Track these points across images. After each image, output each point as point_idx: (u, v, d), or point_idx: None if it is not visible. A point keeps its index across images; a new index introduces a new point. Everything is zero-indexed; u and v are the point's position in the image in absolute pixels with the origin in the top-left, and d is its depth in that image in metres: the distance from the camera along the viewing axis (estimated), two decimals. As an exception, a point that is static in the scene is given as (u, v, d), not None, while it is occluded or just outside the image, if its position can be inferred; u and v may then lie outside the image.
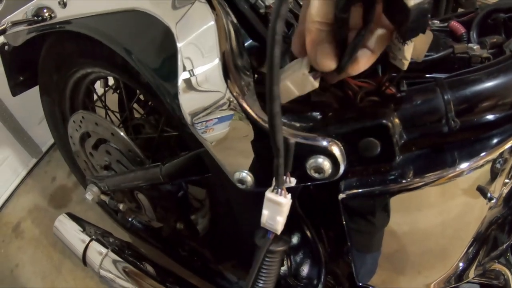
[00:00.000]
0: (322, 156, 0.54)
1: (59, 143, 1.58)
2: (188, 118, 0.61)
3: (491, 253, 0.76)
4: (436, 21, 0.81)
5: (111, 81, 1.41)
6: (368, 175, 0.59)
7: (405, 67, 0.51)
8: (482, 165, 0.57)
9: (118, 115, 1.53)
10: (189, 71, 0.60)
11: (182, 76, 0.60)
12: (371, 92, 0.57)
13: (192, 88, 0.59)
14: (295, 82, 0.52)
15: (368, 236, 0.67)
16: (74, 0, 0.85)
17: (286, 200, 0.52)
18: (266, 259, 0.62)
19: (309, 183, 0.58)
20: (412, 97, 0.57)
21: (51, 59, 1.22)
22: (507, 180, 0.64)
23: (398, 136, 0.55)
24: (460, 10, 1.15)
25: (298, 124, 0.58)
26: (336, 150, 0.54)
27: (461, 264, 0.70)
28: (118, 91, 1.45)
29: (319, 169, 0.55)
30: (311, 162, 0.55)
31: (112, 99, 1.52)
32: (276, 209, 0.53)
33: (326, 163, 0.54)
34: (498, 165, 0.60)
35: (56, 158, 2.32)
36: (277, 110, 0.44)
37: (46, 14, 0.93)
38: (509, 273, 0.90)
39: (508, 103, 0.56)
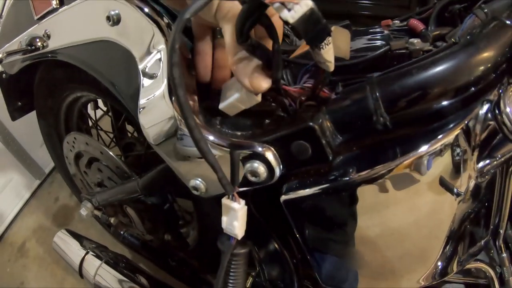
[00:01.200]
0: (257, 161, 0.56)
1: (58, 164, 1.64)
2: (147, 135, 0.66)
3: (470, 250, 0.75)
4: (396, 21, 0.81)
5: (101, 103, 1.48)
6: (308, 176, 0.60)
7: (331, 69, 0.51)
8: (433, 154, 0.55)
9: (111, 135, 1.60)
10: (146, 92, 0.65)
11: (141, 97, 0.65)
12: (309, 98, 0.58)
13: (148, 108, 0.64)
14: (241, 100, 0.56)
15: (316, 236, 0.68)
16: (55, 32, 0.91)
17: (239, 206, 0.54)
18: (232, 262, 0.65)
19: (250, 187, 0.60)
20: (344, 98, 0.56)
21: (45, 85, 1.28)
22: (470, 174, 0.62)
23: (331, 137, 0.56)
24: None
25: (239, 133, 0.60)
26: (269, 155, 0.56)
27: (439, 263, 0.70)
28: (109, 114, 1.52)
29: (255, 173, 0.57)
30: (247, 166, 0.57)
31: (109, 120, 1.59)
32: (233, 215, 0.55)
33: (261, 168, 0.56)
34: (457, 157, 0.58)
35: (58, 179, 2.37)
36: (199, 137, 0.47)
37: (39, 44, 0.97)
38: (492, 272, 0.91)
39: (449, 92, 0.53)
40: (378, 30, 0.81)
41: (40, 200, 2.32)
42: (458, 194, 0.62)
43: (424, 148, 0.55)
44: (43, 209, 2.26)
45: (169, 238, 1.19)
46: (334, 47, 0.50)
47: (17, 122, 1.50)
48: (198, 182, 0.66)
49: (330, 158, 0.57)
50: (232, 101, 0.57)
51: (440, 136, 0.55)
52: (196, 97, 0.62)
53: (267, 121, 0.61)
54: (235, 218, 0.55)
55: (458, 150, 0.58)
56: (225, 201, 0.55)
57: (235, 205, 0.54)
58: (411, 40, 0.72)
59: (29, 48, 1.01)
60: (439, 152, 0.56)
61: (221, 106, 0.59)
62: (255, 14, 0.46)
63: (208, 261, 1.22)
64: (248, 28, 0.48)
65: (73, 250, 1.33)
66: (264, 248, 0.82)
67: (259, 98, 0.56)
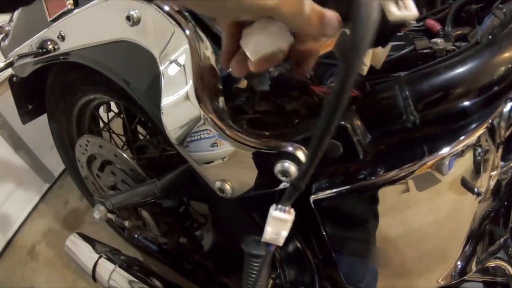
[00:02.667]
0: (288, 161, 0.56)
1: (69, 167, 1.63)
2: (171, 136, 0.65)
3: (489, 248, 0.75)
4: (412, 21, 0.81)
5: (114, 105, 1.48)
6: (338, 176, 0.60)
7: (364, 72, 0.53)
8: (456, 154, 0.57)
9: (123, 138, 1.59)
10: (169, 92, 0.64)
11: (164, 97, 0.64)
12: None
13: (172, 109, 0.63)
14: (269, 34, 0.46)
15: (345, 236, 0.68)
16: (70, 33, 0.90)
17: (291, 217, 0.53)
18: (255, 263, 0.65)
19: (280, 188, 0.60)
20: (373, 97, 0.57)
21: (57, 87, 1.28)
22: (492, 173, 0.64)
23: (361, 136, 0.57)
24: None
25: (267, 133, 0.60)
26: (300, 153, 0.55)
27: (459, 263, 0.70)
28: (121, 116, 1.51)
29: (285, 173, 0.56)
30: (278, 166, 0.56)
31: (120, 123, 1.59)
32: (281, 226, 0.53)
33: (292, 167, 0.56)
34: (479, 157, 0.59)
35: (68, 183, 2.37)
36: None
37: (50, 46, 0.97)
38: (510, 270, 0.91)
39: (474, 91, 0.55)
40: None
41: (49, 203, 2.32)
42: (478, 194, 0.63)
43: (450, 147, 0.57)
44: (53, 213, 2.26)
45: (184, 240, 1.18)
46: (372, 54, 0.51)
47: (27, 126, 1.51)
48: (223, 183, 0.65)
49: (360, 157, 0.57)
50: (260, 36, 0.47)
51: (465, 135, 0.57)
52: (222, 97, 0.61)
53: (294, 120, 0.60)
54: (284, 228, 0.53)
55: (480, 149, 0.59)
56: (275, 213, 0.52)
57: (287, 216, 0.52)
58: (434, 40, 0.72)
59: (41, 50, 1.00)
60: (463, 152, 0.57)
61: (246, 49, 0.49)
62: None
63: (224, 263, 1.21)
64: None
65: (86, 254, 1.32)
66: (287, 249, 0.81)
67: (292, 38, 0.48)
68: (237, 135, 0.59)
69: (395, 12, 0.42)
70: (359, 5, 0.36)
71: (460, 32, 0.74)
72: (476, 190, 0.63)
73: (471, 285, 0.96)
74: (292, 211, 0.53)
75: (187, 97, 0.61)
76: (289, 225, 0.53)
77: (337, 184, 0.60)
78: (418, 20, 0.82)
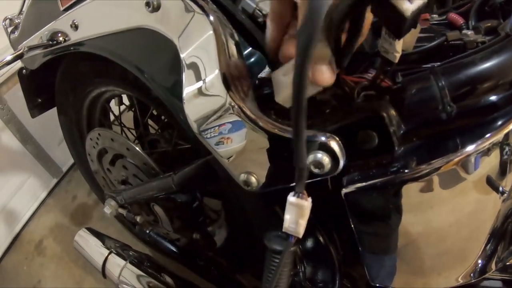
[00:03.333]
0: (321, 152, 0.54)
1: (78, 161, 1.62)
2: (194, 126, 0.62)
3: (510, 247, 0.74)
4: (435, 15, 0.81)
5: (125, 99, 1.46)
6: (370, 168, 0.59)
7: (396, 60, 0.52)
8: (487, 150, 0.56)
9: (134, 132, 1.57)
10: (192, 81, 0.61)
11: (186, 86, 0.62)
12: (367, 87, 0.57)
13: (195, 97, 0.61)
14: None
15: (375, 232, 0.67)
16: (84, 22, 0.88)
17: (308, 203, 0.51)
18: (277, 260, 0.64)
19: (311, 180, 0.57)
20: (407, 87, 0.56)
21: (67, 80, 1.26)
22: None
23: (396, 127, 0.55)
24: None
25: None
26: (334, 144, 0.54)
27: (479, 261, 0.69)
28: (133, 109, 1.49)
29: (318, 164, 0.54)
30: (310, 157, 0.54)
31: (129, 117, 1.57)
32: (298, 213, 0.52)
33: (325, 158, 0.54)
34: (506, 156, 0.58)
35: (76, 178, 2.38)
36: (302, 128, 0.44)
37: (61, 38, 0.95)
38: None
39: (506, 84, 0.55)
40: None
41: (57, 198, 2.31)
42: (503, 193, 0.62)
43: (480, 141, 0.56)
44: (61, 208, 2.25)
45: (198, 236, 1.16)
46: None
47: (35, 120, 1.50)
48: (249, 176, 0.63)
49: (396, 148, 0.56)
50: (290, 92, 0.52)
51: (496, 128, 0.56)
52: (249, 84, 0.59)
53: (325, 109, 0.59)
54: (302, 216, 0.51)
55: (508, 147, 0.59)
56: (292, 199, 0.51)
57: (303, 202, 0.51)
58: (465, 31, 0.71)
59: (51, 42, 0.98)
60: (491, 148, 0.57)
61: (277, 98, 0.55)
62: (363, 3, 0.44)
63: (237, 260, 1.19)
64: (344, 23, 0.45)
65: (96, 250, 1.31)
66: (308, 245, 0.80)
67: (320, 88, 0.52)
68: (267, 124, 0.56)
69: (409, 8, 0.41)
70: None
71: (489, 24, 0.73)
72: (501, 189, 0.62)
73: (489, 283, 0.94)
74: (309, 198, 0.52)
75: (212, 85, 0.59)
76: (306, 213, 0.52)
77: (370, 177, 0.58)
78: (440, 14, 0.82)
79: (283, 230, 0.53)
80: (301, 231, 0.53)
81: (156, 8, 0.67)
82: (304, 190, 0.51)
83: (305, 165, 0.48)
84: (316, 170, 0.56)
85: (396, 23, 0.43)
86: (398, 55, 0.51)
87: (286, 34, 0.55)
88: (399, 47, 0.49)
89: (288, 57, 0.55)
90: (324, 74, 0.48)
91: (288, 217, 0.52)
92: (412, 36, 0.58)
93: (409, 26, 0.44)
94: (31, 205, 2.24)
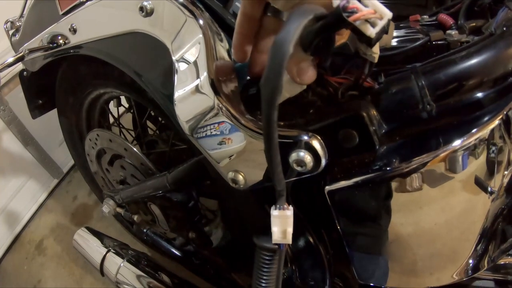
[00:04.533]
0: (303, 150, 0.55)
1: (78, 162, 1.64)
2: (184, 127, 0.64)
3: (501, 246, 0.75)
4: (425, 16, 0.82)
5: (124, 101, 1.48)
6: (352, 166, 0.60)
7: (375, 60, 0.51)
8: (473, 147, 0.57)
9: (132, 133, 1.59)
10: (182, 83, 0.63)
11: (177, 88, 0.64)
12: (351, 87, 0.58)
13: (185, 99, 0.63)
14: (285, 88, 0.53)
15: (360, 230, 0.68)
16: (82, 26, 0.90)
17: (290, 212, 0.52)
18: (266, 257, 0.65)
19: (294, 178, 0.59)
20: (388, 87, 0.57)
21: (67, 82, 1.28)
22: (506, 171, 0.64)
23: (377, 126, 0.57)
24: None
25: (281, 123, 0.59)
26: (315, 143, 0.55)
27: (470, 261, 0.70)
28: (131, 111, 1.51)
29: (300, 162, 0.56)
30: (293, 156, 0.56)
31: (128, 119, 1.59)
32: (284, 222, 0.52)
33: (307, 156, 0.55)
34: (492, 155, 0.59)
35: (76, 178, 2.40)
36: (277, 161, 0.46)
37: (61, 41, 0.97)
38: None
39: (489, 82, 0.56)
40: (407, 24, 0.81)
41: (58, 199, 2.33)
42: (492, 192, 0.63)
43: (463, 138, 0.56)
44: (61, 208, 2.27)
45: (194, 236, 1.17)
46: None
47: (36, 122, 1.52)
48: (236, 174, 0.65)
49: (377, 147, 0.57)
50: None
51: (479, 126, 0.57)
52: (235, 85, 0.61)
53: (309, 110, 0.60)
54: (288, 224, 0.52)
55: (494, 146, 0.59)
56: (275, 212, 0.52)
57: (286, 212, 0.52)
58: (449, 31, 0.71)
59: (51, 44, 1.00)
60: (477, 146, 0.57)
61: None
62: (331, 29, 0.44)
63: (232, 259, 1.21)
64: (316, 41, 0.46)
65: (94, 248, 1.33)
66: (299, 244, 0.80)
67: (304, 86, 0.55)
68: (251, 124, 0.58)
69: (373, 31, 0.42)
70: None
71: (474, 24, 0.74)
72: (489, 188, 0.63)
73: (482, 283, 0.95)
74: (290, 206, 0.52)
75: (201, 87, 0.61)
76: (291, 220, 0.53)
77: (352, 175, 0.60)
78: (430, 15, 0.82)
79: (273, 242, 0.54)
80: (290, 238, 0.54)
81: (150, 13, 0.69)
82: (285, 203, 0.52)
83: (284, 186, 0.50)
84: (298, 168, 0.57)
85: (365, 39, 0.44)
86: (376, 55, 0.51)
87: (254, 48, 0.56)
88: (376, 48, 0.50)
89: (260, 66, 0.57)
90: (307, 73, 0.49)
91: (275, 229, 0.53)
92: (388, 35, 0.60)
93: (378, 38, 0.44)
94: (32, 205, 2.26)
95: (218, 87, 0.59)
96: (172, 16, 0.67)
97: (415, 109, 0.56)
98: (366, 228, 0.68)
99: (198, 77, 0.61)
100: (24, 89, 1.39)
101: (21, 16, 1.27)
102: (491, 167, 0.62)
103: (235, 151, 0.62)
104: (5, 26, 1.31)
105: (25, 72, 1.34)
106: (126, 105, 1.48)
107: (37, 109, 1.47)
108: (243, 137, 0.60)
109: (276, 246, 0.60)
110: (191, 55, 0.63)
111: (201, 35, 0.63)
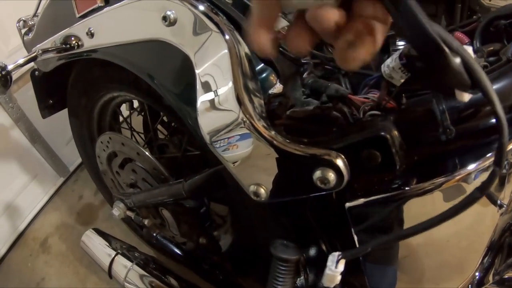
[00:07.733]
0: (327, 168, 0.56)
1: (87, 162, 1.64)
2: (207, 138, 0.65)
3: (508, 260, 0.76)
4: None
5: (135, 104, 1.48)
6: (373, 184, 0.61)
7: (399, 83, 0.53)
8: (486, 168, 0.58)
9: (143, 136, 1.59)
10: (206, 95, 0.64)
11: (201, 99, 0.64)
12: (373, 107, 0.59)
13: (209, 111, 0.63)
14: None
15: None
16: (100, 31, 0.90)
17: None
18: (282, 267, 0.65)
19: (317, 193, 0.60)
20: (410, 110, 0.58)
21: (80, 84, 1.28)
22: None
23: (398, 146, 0.57)
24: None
25: (305, 140, 0.60)
26: (339, 161, 0.56)
27: (477, 274, 0.71)
28: (142, 114, 1.51)
29: (324, 180, 0.57)
30: (317, 173, 0.57)
31: (138, 121, 1.59)
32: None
33: (330, 174, 0.56)
34: (504, 170, 0.60)
35: (83, 178, 2.40)
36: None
37: (74, 42, 0.97)
38: None
39: (506, 108, 0.56)
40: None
41: (63, 197, 2.34)
42: (501, 206, 0.65)
43: (478, 162, 0.59)
44: (67, 207, 2.27)
45: (204, 241, 1.17)
46: None
47: (44, 120, 1.52)
48: (258, 187, 0.65)
49: (397, 167, 0.58)
50: None
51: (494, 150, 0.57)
52: (261, 100, 0.62)
53: (332, 128, 0.61)
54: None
55: (505, 163, 0.60)
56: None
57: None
58: None
59: (66, 46, 1.00)
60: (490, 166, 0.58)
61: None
62: None
63: (242, 265, 1.20)
64: None
65: (102, 250, 1.33)
66: (313, 254, 0.81)
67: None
68: (276, 139, 0.59)
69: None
70: None
71: (492, 48, 0.74)
72: (499, 202, 0.64)
73: (486, 295, 0.95)
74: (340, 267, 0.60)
75: (226, 100, 0.61)
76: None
77: (372, 193, 0.61)
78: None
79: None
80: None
81: (173, 23, 0.69)
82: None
83: None
84: (322, 186, 0.58)
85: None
86: (402, 80, 0.53)
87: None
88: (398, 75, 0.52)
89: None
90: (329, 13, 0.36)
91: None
92: None
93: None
94: (37, 203, 2.27)
95: (243, 101, 0.60)
96: (196, 27, 0.67)
97: (435, 132, 0.57)
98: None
99: (223, 90, 0.62)
100: (35, 89, 1.39)
101: (35, 15, 1.27)
102: (502, 181, 0.63)
103: (257, 164, 0.63)
104: (17, 25, 1.31)
105: (36, 72, 1.33)
106: (137, 108, 1.48)
107: (47, 109, 1.46)
108: (266, 151, 0.60)
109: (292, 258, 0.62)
110: (216, 69, 0.64)
111: (226, 50, 0.63)
